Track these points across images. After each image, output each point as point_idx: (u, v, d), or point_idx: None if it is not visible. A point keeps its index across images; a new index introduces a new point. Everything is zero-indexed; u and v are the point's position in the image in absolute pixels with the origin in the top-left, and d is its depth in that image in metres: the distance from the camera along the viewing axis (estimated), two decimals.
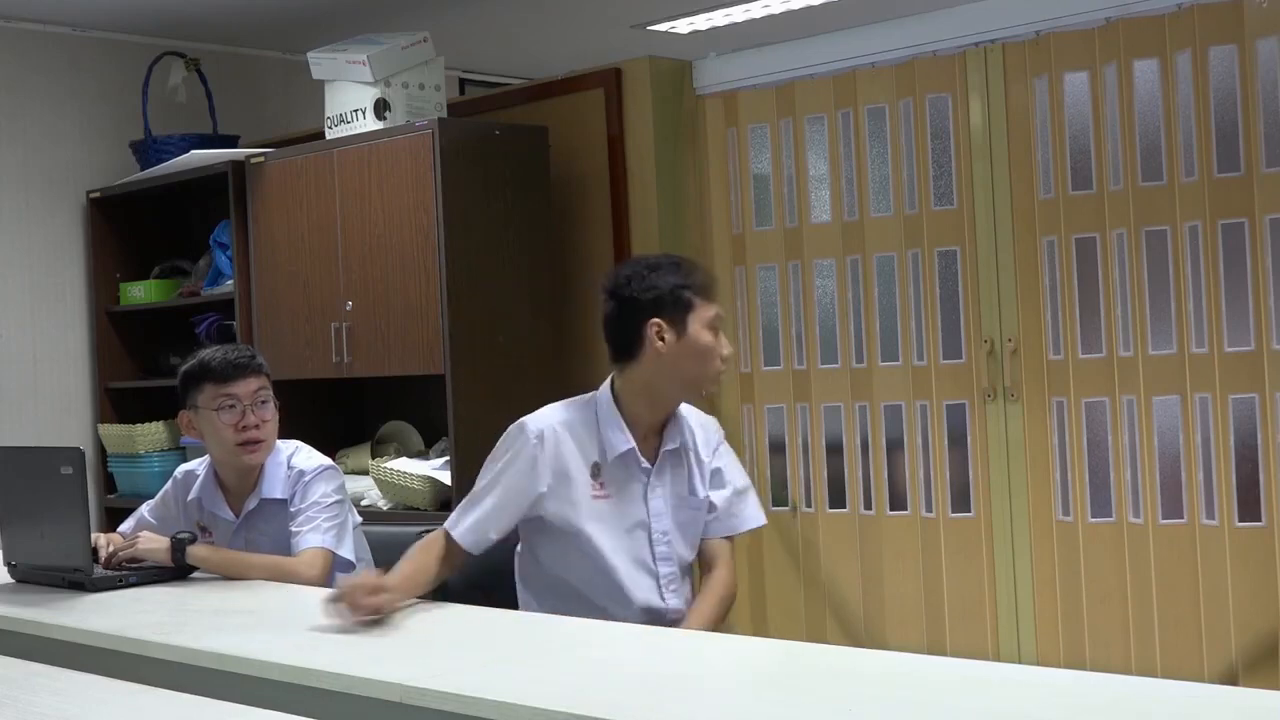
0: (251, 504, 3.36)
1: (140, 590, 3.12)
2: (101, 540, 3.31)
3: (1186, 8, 3.89)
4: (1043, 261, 4.17)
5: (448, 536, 2.92)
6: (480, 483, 2.97)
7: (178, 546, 3.21)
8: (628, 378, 2.97)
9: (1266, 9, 3.79)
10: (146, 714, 2.28)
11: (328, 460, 3.40)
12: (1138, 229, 3.98)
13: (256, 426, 3.32)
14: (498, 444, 2.98)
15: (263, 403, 3.34)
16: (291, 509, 3.30)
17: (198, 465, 3.51)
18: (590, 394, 3.04)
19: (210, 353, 3.38)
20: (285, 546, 3.30)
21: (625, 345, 2.95)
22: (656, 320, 2.91)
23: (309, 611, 2.96)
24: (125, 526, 3.58)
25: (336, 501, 3.30)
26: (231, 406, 3.31)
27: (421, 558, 2.89)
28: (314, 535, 3.24)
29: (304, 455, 3.39)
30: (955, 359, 4.35)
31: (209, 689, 2.35)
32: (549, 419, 2.97)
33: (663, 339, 2.91)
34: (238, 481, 3.39)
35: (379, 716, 2.14)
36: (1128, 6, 4.00)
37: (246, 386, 3.33)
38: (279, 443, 3.41)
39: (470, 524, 2.92)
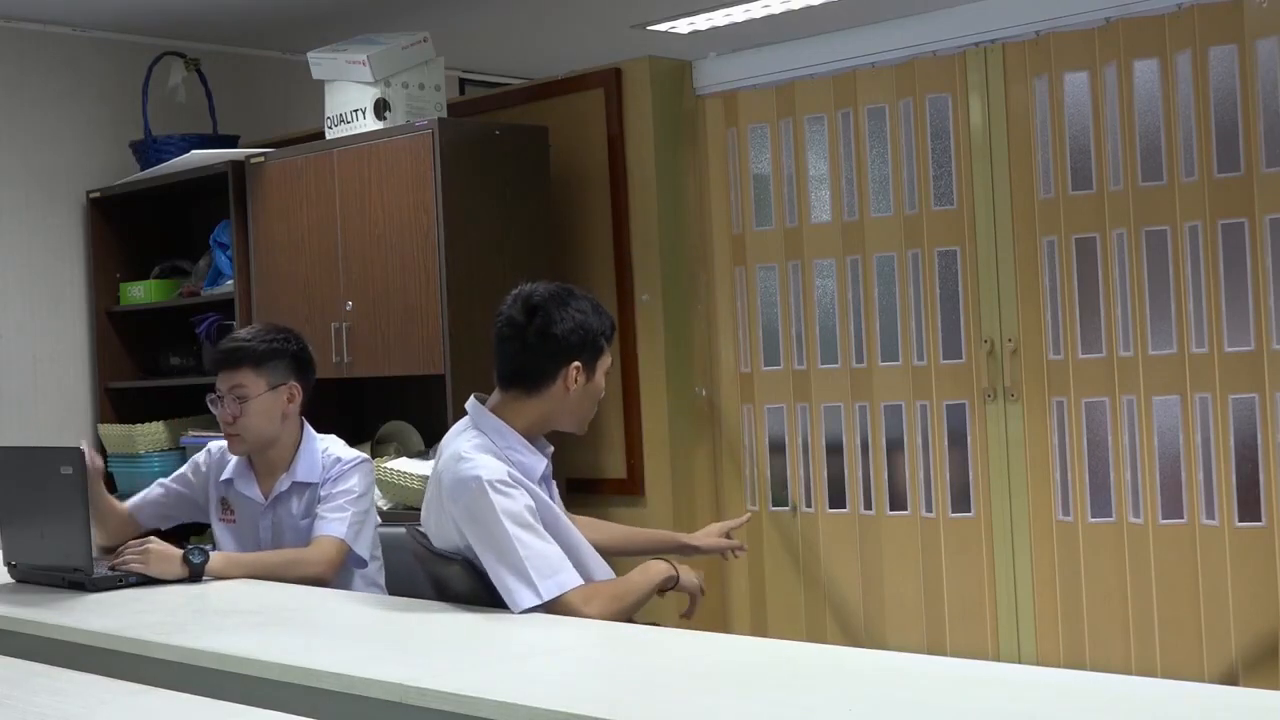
0: (284, 485, 3.44)
1: (140, 590, 3.12)
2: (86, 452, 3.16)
3: (1186, 8, 3.89)
4: (1043, 261, 4.17)
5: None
6: (513, 544, 2.76)
7: (195, 571, 3.20)
8: (521, 406, 2.92)
9: (1266, 9, 3.79)
10: (146, 714, 2.28)
11: (364, 455, 3.50)
12: (1138, 229, 3.98)
13: None
14: (485, 508, 2.77)
15: None
16: (322, 492, 3.40)
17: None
18: (466, 427, 2.94)
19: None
20: (306, 531, 3.39)
21: (535, 379, 2.90)
22: (578, 363, 2.90)
23: (309, 611, 2.96)
24: (134, 500, 3.62)
25: (363, 496, 3.40)
26: None
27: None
28: (336, 525, 3.33)
29: (340, 446, 3.51)
30: (955, 359, 4.35)
31: (209, 689, 2.35)
32: (496, 463, 2.84)
33: (576, 381, 2.91)
34: (272, 465, 3.47)
35: (379, 716, 2.14)
36: (1128, 6, 4.00)
37: None
38: (317, 434, 3.53)
39: (569, 569, 2.80)
